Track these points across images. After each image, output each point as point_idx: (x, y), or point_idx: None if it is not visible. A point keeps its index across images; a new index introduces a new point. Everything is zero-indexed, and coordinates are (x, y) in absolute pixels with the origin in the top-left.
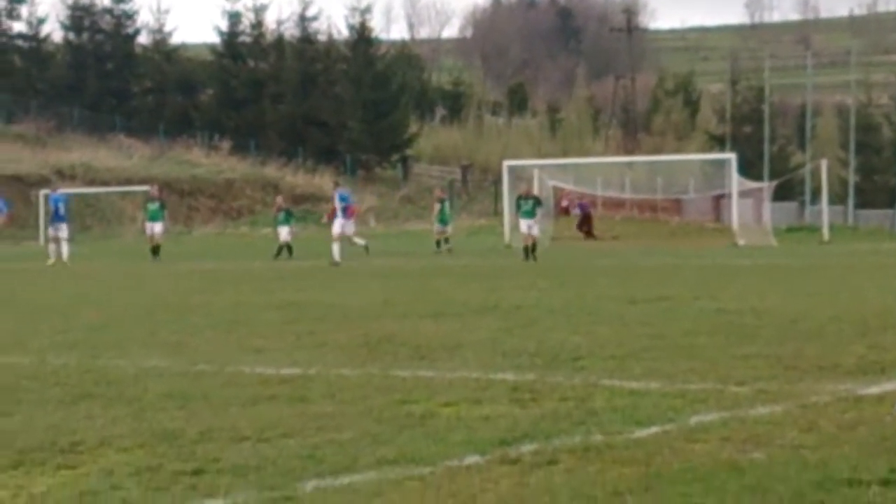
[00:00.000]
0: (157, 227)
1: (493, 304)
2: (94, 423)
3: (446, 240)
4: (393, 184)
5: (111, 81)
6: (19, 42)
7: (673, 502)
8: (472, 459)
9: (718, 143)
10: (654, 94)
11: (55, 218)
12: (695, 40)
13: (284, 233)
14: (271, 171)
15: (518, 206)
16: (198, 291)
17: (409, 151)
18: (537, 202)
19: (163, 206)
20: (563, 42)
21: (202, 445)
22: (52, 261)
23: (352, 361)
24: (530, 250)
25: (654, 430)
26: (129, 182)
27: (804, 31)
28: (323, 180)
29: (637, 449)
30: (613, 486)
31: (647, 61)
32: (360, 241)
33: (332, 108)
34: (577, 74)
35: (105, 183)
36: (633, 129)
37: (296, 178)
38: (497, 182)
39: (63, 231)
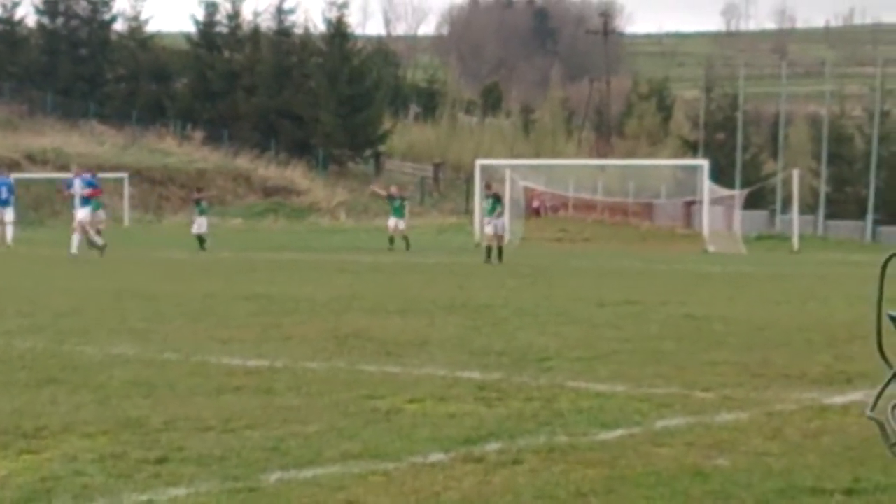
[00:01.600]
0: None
1: (462, 303)
2: (59, 409)
3: (391, 239)
4: (365, 179)
5: (85, 67)
6: None
7: None
8: (436, 456)
9: (691, 149)
10: (628, 98)
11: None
12: (671, 46)
13: (202, 224)
14: (243, 162)
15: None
16: (167, 280)
17: (382, 147)
18: (497, 200)
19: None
20: (539, 43)
21: (166, 434)
22: (8, 242)
23: (319, 355)
24: (495, 252)
25: (619, 432)
26: (100, 168)
27: (780, 41)
28: (295, 173)
29: (601, 451)
30: (577, 487)
31: (622, 65)
32: (98, 239)
33: (306, 101)
34: (551, 76)
35: None
36: (607, 133)
37: (268, 170)
38: (469, 181)
39: (8, 214)
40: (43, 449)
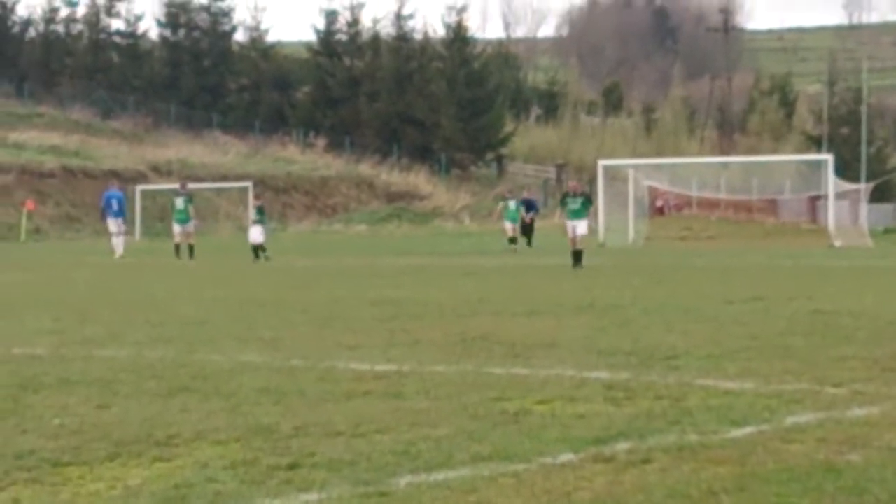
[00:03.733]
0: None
1: (588, 303)
2: (190, 417)
3: (513, 239)
4: (487, 182)
5: (207, 78)
6: (117, 39)
7: (768, 502)
8: (566, 457)
9: (815, 144)
10: (750, 95)
11: (111, 213)
12: (792, 41)
13: (256, 233)
14: (366, 168)
15: (563, 204)
16: (293, 287)
17: (503, 150)
18: (587, 200)
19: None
20: (659, 42)
21: (297, 440)
22: (119, 253)
23: (447, 358)
24: (575, 254)
25: (749, 430)
26: (224, 178)
27: None
28: (418, 178)
29: (732, 449)
30: (708, 485)
31: (743, 61)
32: None
33: (428, 106)
34: (672, 74)
35: (200, 179)
36: (729, 130)
37: (391, 175)
38: (592, 181)
39: (118, 226)
40: (175, 457)
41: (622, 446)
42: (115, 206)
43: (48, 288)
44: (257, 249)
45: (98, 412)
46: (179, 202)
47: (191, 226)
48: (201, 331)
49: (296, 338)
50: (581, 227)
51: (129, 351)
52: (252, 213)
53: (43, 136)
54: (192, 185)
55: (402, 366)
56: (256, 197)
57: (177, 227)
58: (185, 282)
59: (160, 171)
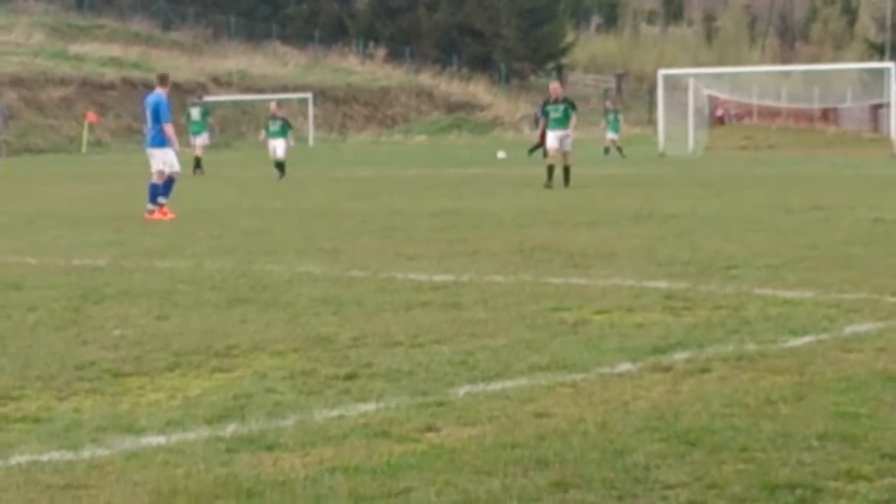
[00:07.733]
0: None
1: (648, 213)
2: (249, 328)
3: (618, 148)
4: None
5: None
6: None
7: (826, 411)
8: (624, 367)
9: (878, 51)
10: (812, 3)
11: None
12: None
13: (280, 148)
14: (426, 78)
15: (545, 113)
16: (352, 199)
17: (564, 60)
18: (570, 107)
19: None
20: None
21: (355, 350)
22: None
23: (505, 269)
24: (563, 171)
25: (807, 339)
26: (284, 89)
27: None
28: (477, 89)
29: (790, 358)
30: (766, 394)
31: None
32: None
33: (487, 16)
34: None
35: (260, 90)
36: (791, 38)
37: (450, 86)
38: (652, 91)
39: None
40: (234, 367)
41: (680, 356)
42: None
43: (109, 200)
44: (280, 165)
45: (158, 323)
46: (195, 113)
47: (204, 138)
48: (261, 242)
49: (355, 248)
50: (566, 140)
51: (189, 262)
52: (272, 125)
53: (103, 48)
54: (251, 97)
55: (461, 276)
56: (279, 107)
57: (192, 138)
58: (245, 193)
59: (220, 82)
